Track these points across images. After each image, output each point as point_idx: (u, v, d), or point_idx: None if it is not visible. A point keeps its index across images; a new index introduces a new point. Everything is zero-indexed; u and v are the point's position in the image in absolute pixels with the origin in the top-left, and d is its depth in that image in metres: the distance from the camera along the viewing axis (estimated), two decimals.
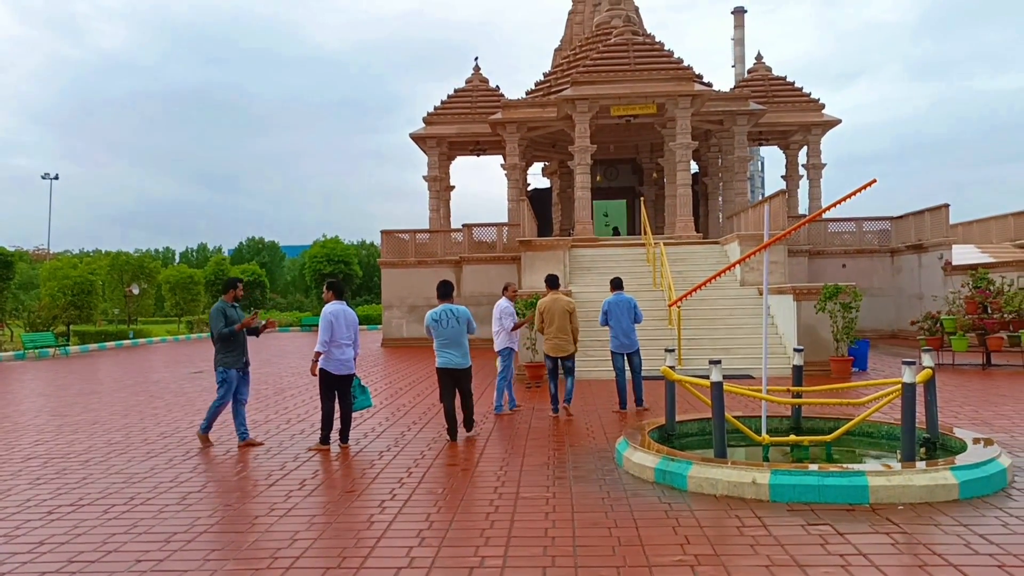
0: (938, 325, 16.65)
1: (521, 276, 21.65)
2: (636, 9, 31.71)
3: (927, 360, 7.23)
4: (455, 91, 30.89)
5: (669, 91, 23.89)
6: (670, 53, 25.82)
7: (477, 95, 30.44)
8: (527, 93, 30.01)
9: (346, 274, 49.72)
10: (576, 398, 12.05)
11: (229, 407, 8.89)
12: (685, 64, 25.20)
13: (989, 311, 16.11)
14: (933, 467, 6.19)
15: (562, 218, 32.91)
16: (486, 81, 31.29)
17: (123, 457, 8.25)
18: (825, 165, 29.59)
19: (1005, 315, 15.85)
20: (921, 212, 24.42)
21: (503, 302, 11.04)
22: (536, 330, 11.15)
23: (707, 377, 7.01)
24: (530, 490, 6.52)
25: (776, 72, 31.03)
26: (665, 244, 20.21)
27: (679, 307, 15.08)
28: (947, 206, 23.42)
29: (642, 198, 29.57)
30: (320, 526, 5.63)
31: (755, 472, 6.18)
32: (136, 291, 41.42)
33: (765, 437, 7.66)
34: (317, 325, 8.95)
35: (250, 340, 9.52)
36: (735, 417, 7.79)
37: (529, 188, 33.42)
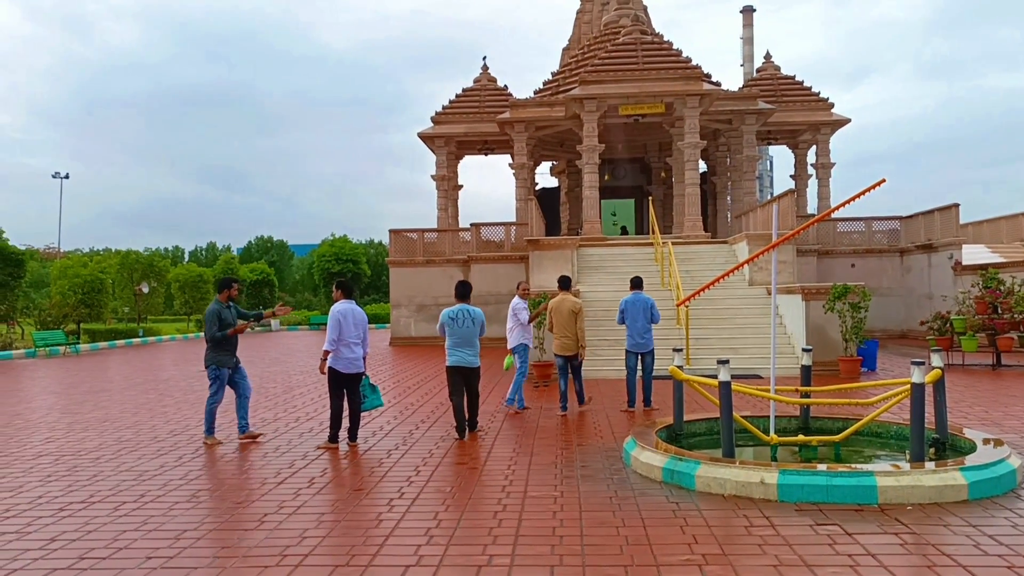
0: (948, 325, 16.57)
1: (529, 275, 21.65)
2: (644, 8, 31.66)
3: (936, 360, 7.20)
4: (463, 90, 30.90)
5: (677, 90, 23.84)
6: (678, 52, 25.76)
7: (485, 94, 30.44)
8: (535, 92, 29.99)
9: (354, 273, 49.79)
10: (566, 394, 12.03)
11: (224, 403, 8.97)
12: (693, 63, 25.15)
13: (999, 311, 16.02)
14: (942, 467, 6.17)
15: (570, 217, 32.88)
16: (494, 80, 31.29)
17: (133, 455, 8.30)
18: (834, 164, 29.47)
19: (1015, 315, 15.77)
20: (931, 212, 24.30)
21: (516, 300, 11.13)
22: (546, 329, 11.23)
23: (715, 377, 7.00)
24: (538, 489, 6.53)
25: (785, 71, 30.91)
26: (673, 243, 20.18)
27: (687, 307, 15.07)
28: (957, 206, 23.31)
29: (650, 197, 29.53)
30: (329, 524, 5.65)
31: (763, 472, 6.17)
32: (146, 290, 41.62)
33: (773, 437, 7.64)
34: (326, 324, 9.01)
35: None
36: (743, 417, 7.79)
37: (537, 187, 33.41)
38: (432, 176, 30.53)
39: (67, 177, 68.10)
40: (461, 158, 31.93)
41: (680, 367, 7.90)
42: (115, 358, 23.26)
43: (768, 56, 31.42)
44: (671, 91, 23.88)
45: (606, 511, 5.83)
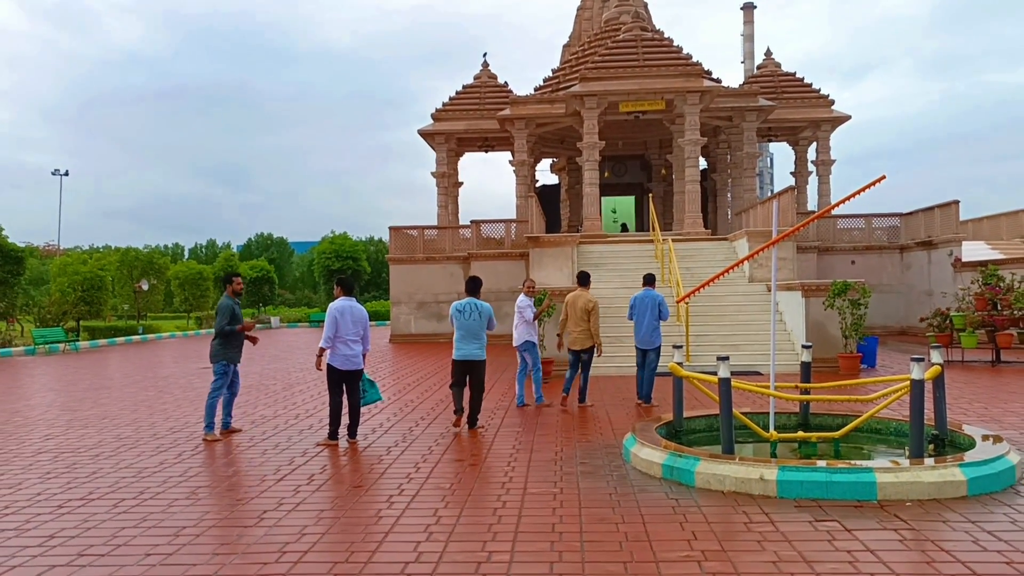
0: (947, 322, 16.57)
1: (529, 272, 21.63)
2: (645, 5, 31.61)
3: (936, 357, 7.19)
4: (463, 87, 30.86)
5: (678, 87, 23.81)
6: (679, 49, 25.73)
7: (485, 91, 30.41)
8: (535, 89, 29.96)
9: (355, 270, 49.82)
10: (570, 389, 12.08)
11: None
12: (694, 60, 25.12)
13: (999, 308, 16.02)
14: (941, 464, 6.17)
15: (570, 214, 32.86)
16: (495, 77, 31.25)
17: (133, 452, 8.31)
18: (835, 161, 29.43)
19: (1015, 312, 15.76)
20: (931, 208, 24.29)
21: (522, 298, 11.17)
22: (559, 323, 11.43)
23: (715, 373, 7.00)
24: (537, 485, 6.53)
25: (786, 68, 30.88)
26: (673, 240, 20.17)
27: (687, 303, 15.07)
28: (957, 202, 23.29)
29: (650, 194, 29.51)
30: (328, 521, 5.65)
31: (763, 468, 6.17)
32: (145, 287, 41.60)
33: (773, 433, 7.65)
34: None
35: (258, 336, 9.71)
36: (743, 413, 7.79)
37: (537, 184, 33.39)
38: (432, 173, 30.51)
39: (67, 174, 68.09)
40: (461, 155, 31.91)
41: (680, 363, 7.90)
42: (115, 355, 23.26)
43: (769, 53, 31.38)
44: (671, 88, 23.85)
45: (606, 507, 5.83)
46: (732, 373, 7.00)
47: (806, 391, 8.46)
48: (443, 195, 30.42)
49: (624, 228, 32.56)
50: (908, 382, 6.66)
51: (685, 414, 8.32)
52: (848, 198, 7.60)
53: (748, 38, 65.42)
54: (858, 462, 6.63)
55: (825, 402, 9.47)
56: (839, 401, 9.44)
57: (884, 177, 7.50)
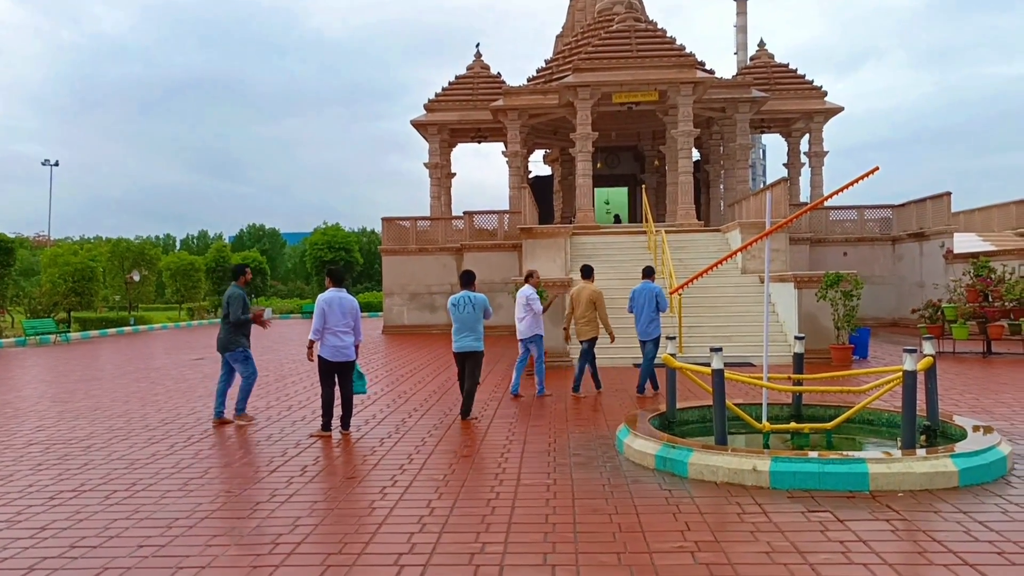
0: (939, 313, 16.64)
1: (522, 264, 21.63)
2: None
3: (928, 348, 7.22)
4: (456, 78, 30.75)
5: (671, 78, 23.78)
6: (672, 40, 25.68)
7: (478, 82, 30.30)
8: (528, 80, 29.87)
9: (347, 261, 49.70)
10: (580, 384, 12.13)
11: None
12: (687, 51, 25.07)
13: (990, 299, 16.09)
14: (933, 454, 6.19)
15: (563, 206, 32.84)
16: (487, 68, 31.14)
17: (124, 443, 8.27)
18: (827, 153, 29.47)
19: (1006, 303, 15.85)
20: (923, 200, 24.36)
21: (529, 290, 11.17)
22: (566, 316, 11.73)
23: (708, 364, 7.00)
24: (531, 476, 6.54)
25: (780, 59, 30.87)
26: (666, 232, 20.18)
27: (680, 295, 15.07)
28: (949, 194, 23.36)
29: (643, 185, 29.51)
30: (321, 512, 5.64)
31: (756, 459, 6.19)
32: (137, 278, 41.40)
33: (766, 424, 7.67)
34: None
35: (253, 328, 9.73)
36: (736, 404, 7.80)
37: (530, 175, 33.33)
38: (425, 164, 30.42)
39: (57, 164, 67.73)
40: (454, 146, 31.82)
41: (673, 355, 7.90)
42: (106, 347, 23.16)
43: (762, 44, 31.36)
44: (665, 79, 23.81)
45: (599, 498, 5.84)
46: (725, 364, 7.01)
47: (799, 382, 8.47)
48: (436, 186, 30.34)
49: (617, 219, 32.56)
50: (900, 373, 6.68)
51: (678, 405, 8.33)
52: (841, 189, 7.60)
53: (741, 29, 65.39)
54: (850, 453, 6.65)
55: (818, 393, 9.51)
56: (832, 392, 9.47)
57: (877, 168, 7.50)
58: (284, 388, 12.49)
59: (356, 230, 72.14)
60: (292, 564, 4.61)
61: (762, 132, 32.88)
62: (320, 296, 8.58)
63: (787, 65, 30.28)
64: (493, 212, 26.42)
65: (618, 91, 24.22)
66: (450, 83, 30.54)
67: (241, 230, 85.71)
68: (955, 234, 23.41)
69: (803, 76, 29.87)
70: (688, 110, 24.01)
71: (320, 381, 8.63)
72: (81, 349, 22.35)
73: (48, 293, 30.98)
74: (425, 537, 5.03)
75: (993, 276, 16.47)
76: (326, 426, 8.54)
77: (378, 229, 51.05)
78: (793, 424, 8.07)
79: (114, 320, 32.84)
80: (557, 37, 34.07)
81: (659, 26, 27.55)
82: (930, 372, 7.21)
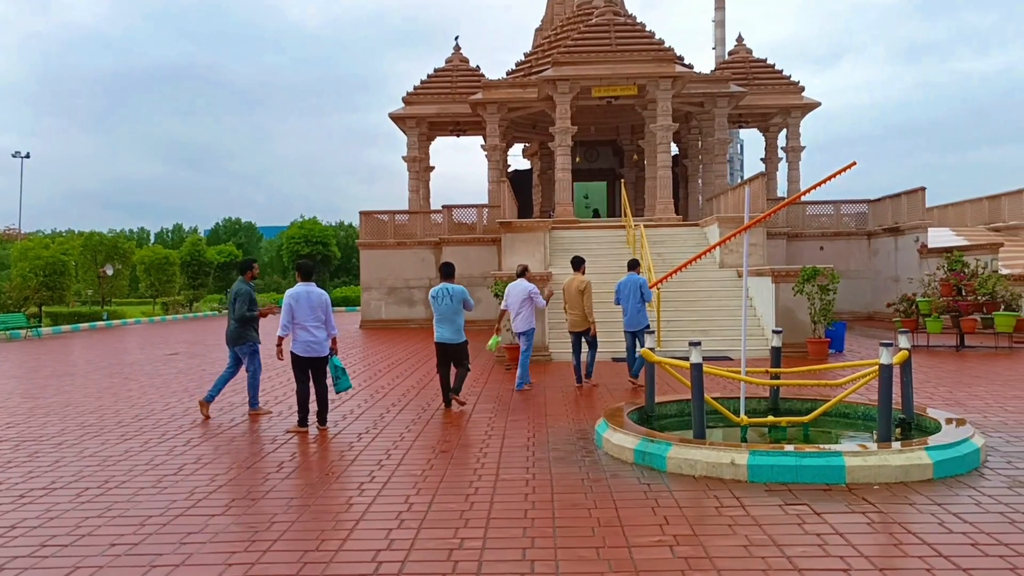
0: (913, 307, 16.83)
1: (502, 258, 21.59)
2: None
3: (903, 342, 7.28)
4: (435, 70, 30.55)
5: (650, 72, 23.79)
6: (651, 34, 25.70)
7: (457, 75, 30.14)
8: (508, 73, 29.76)
9: (324, 255, 49.41)
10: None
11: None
12: (666, 45, 25.11)
13: (963, 293, 16.30)
14: (908, 447, 6.25)
15: (542, 200, 32.79)
16: (466, 61, 30.97)
17: (97, 440, 8.14)
18: (804, 148, 29.67)
19: (979, 297, 16.06)
20: (898, 195, 24.63)
21: (524, 283, 11.21)
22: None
23: (686, 358, 7.02)
24: (510, 471, 6.51)
25: (759, 54, 31.01)
26: (645, 226, 20.20)
27: (659, 289, 15.11)
28: (923, 189, 23.62)
29: (622, 180, 29.52)
30: (298, 508, 5.58)
31: (734, 453, 6.21)
32: (110, 272, 40.81)
33: (743, 418, 7.71)
34: None
35: (224, 322, 9.71)
36: (714, 398, 7.83)
37: (509, 169, 33.25)
38: (403, 157, 30.23)
39: (27, 156, 66.46)
40: (433, 139, 31.64)
41: (652, 349, 7.92)
42: (78, 342, 22.81)
43: (740, 39, 31.48)
44: (644, 73, 23.82)
45: (578, 493, 5.83)
46: (703, 358, 7.03)
47: (776, 376, 8.53)
48: (414, 180, 30.17)
49: (596, 214, 32.60)
50: (876, 367, 6.74)
51: (657, 399, 8.35)
52: (818, 184, 7.65)
53: (720, 24, 65.66)
54: (827, 446, 6.70)
55: (795, 387, 9.57)
56: (808, 386, 9.54)
57: (855, 164, 7.55)
58: (261, 383, 12.34)
59: (334, 224, 71.73)
60: (268, 561, 4.55)
61: (740, 127, 33.03)
62: (288, 291, 8.55)
63: (765, 60, 30.42)
64: (472, 206, 26.33)
65: (597, 85, 24.21)
66: (429, 76, 30.35)
67: (217, 224, 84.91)
68: (929, 229, 23.68)
69: (781, 71, 30.04)
70: (667, 104, 24.05)
71: (295, 377, 8.56)
72: (52, 344, 22.00)
73: (19, 287, 30.46)
74: (403, 533, 4.99)
75: (966, 270, 16.68)
76: (302, 422, 8.46)
77: (356, 223, 50.74)
78: (771, 417, 8.11)
79: (86, 315, 32.35)
80: (537, 30, 33.98)
81: (638, 20, 27.57)
82: (905, 366, 7.28)
